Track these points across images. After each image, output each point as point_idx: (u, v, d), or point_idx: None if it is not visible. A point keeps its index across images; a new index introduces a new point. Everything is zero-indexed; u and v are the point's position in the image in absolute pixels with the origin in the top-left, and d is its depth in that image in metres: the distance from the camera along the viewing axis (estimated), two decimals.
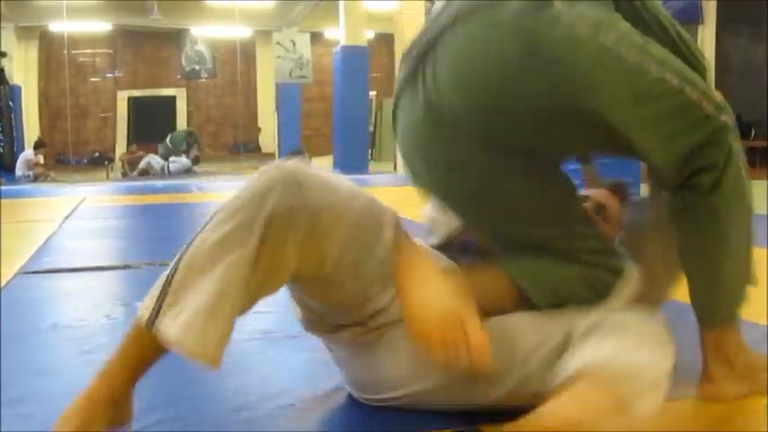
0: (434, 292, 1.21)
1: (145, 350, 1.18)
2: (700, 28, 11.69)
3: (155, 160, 13.78)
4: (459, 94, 1.27)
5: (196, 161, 14.13)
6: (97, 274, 2.97)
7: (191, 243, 1.16)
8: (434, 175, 1.38)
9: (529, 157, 1.30)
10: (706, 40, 11.47)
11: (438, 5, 1.41)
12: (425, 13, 10.55)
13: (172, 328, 1.11)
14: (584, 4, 1.26)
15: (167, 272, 1.16)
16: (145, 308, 1.15)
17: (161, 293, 1.13)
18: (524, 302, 1.33)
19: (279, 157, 15.06)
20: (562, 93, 1.22)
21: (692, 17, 11.64)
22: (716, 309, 1.41)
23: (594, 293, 1.37)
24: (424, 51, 1.32)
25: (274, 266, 1.16)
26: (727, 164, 1.29)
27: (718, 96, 1.31)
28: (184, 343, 1.10)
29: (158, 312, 1.13)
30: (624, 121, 1.24)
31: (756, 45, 10.81)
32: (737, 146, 1.31)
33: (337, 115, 12.37)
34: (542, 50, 1.21)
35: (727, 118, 1.30)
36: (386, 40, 14.59)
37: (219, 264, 1.12)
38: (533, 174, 1.32)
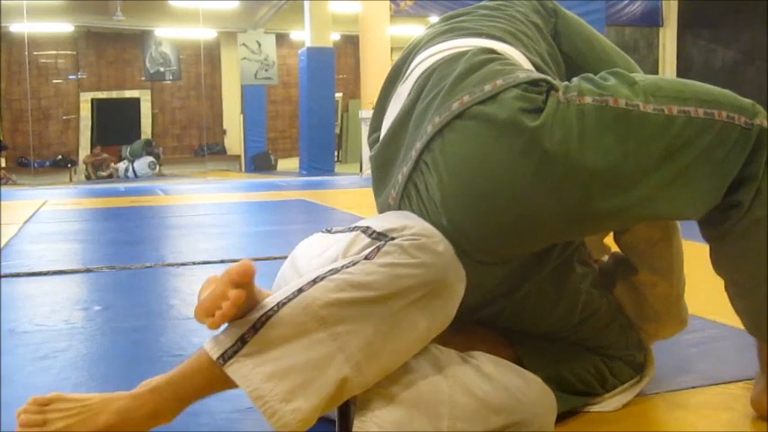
0: None
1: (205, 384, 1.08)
2: (661, 31, 11.87)
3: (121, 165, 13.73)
4: (471, 216, 1.16)
5: (153, 167, 14.00)
6: (57, 278, 2.93)
7: (290, 296, 1.06)
8: None
9: (546, 259, 1.27)
10: (667, 42, 11.66)
11: (402, 93, 1.33)
12: (390, 15, 10.59)
13: (254, 376, 1.02)
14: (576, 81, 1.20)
15: (253, 317, 1.06)
16: (216, 344, 1.06)
17: (239, 340, 1.04)
18: None
19: (244, 159, 15.04)
20: (592, 194, 1.13)
21: (653, 20, 11.81)
22: None
23: (602, 385, 1.38)
24: (413, 165, 1.22)
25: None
26: (766, 168, 1.20)
27: (743, 100, 1.22)
28: (266, 396, 1.01)
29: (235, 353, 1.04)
30: (657, 187, 1.15)
31: (716, 46, 10.98)
32: None
33: (303, 117, 12.35)
34: (555, 156, 1.11)
35: (762, 119, 1.20)
36: (352, 42, 14.58)
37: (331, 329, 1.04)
38: (548, 276, 1.29)
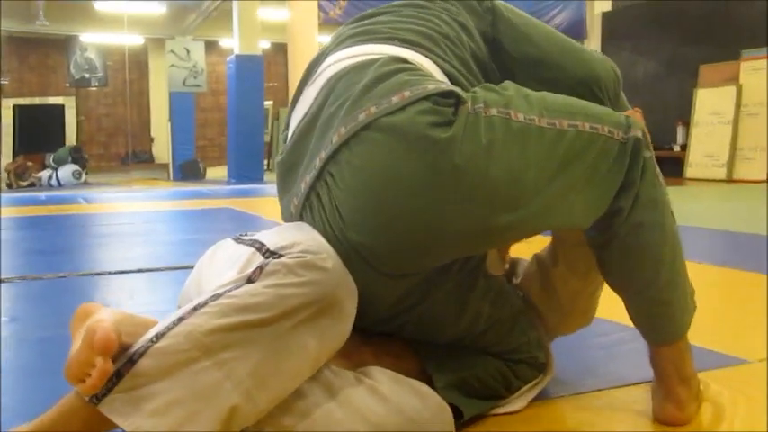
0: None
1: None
2: (585, 42, 12.14)
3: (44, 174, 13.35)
4: (377, 230, 1.15)
5: (78, 176, 13.66)
6: None
7: (170, 325, 1.00)
8: None
9: (449, 271, 1.27)
10: None
11: (308, 98, 1.31)
12: (319, 23, 10.58)
13: (134, 413, 0.95)
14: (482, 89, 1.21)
15: (131, 350, 0.99)
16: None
17: (114, 375, 0.97)
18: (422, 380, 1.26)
19: (172, 167, 14.81)
20: (496, 208, 1.14)
21: (577, 33, 12.08)
22: (670, 323, 1.36)
23: (506, 387, 1.40)
24: (317, 174, 1.20)
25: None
26: (643, 175, 1.26)
27: (620, 115, 1.28)
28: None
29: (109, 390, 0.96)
30: (553, 198, 1.18)
31: (638, 58, 11.27)
32: (649, 153, 1.28)
33: (232, 125, 12.23)
34: (464, 170, 1.11)
35: (636, 130, 1.26)
36: (281, 50, 14.51)
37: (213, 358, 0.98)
38: (453, 288, 1.29)
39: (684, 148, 10.39)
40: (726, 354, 1.80)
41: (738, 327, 2.15)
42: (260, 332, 1.00)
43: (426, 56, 1.30)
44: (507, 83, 1.25)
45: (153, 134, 17.05)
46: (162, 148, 16.41)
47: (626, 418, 1.41)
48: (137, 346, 0.99)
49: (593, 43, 12.13)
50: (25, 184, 13.23)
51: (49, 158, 14.03)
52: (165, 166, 15.95)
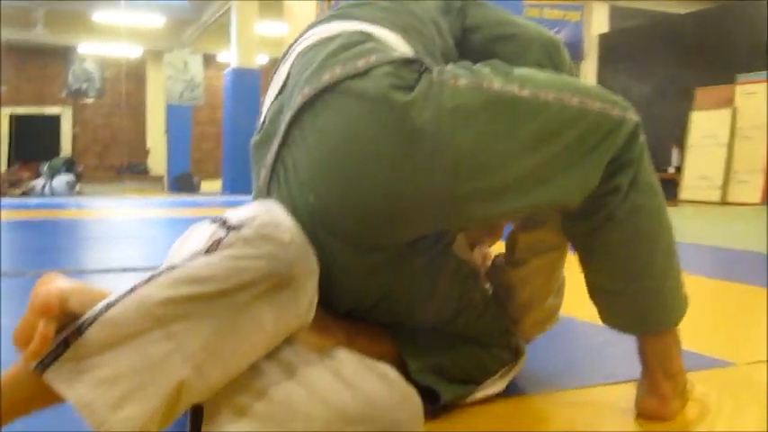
0: None
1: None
2: (583, 64, 12.19)
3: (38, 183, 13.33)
4: (338, 194, 1.12)
5: (72, 186, 13.63)
6: None
7: (122, 295, 0.97)
8: None
9: (418, 250, 1.24)
10: (588, 76, 11.97)
11: (281, 72, 1.30)
12: None
13: (79, 383, 0.92)
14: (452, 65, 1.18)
15: (80, 320, 0.94)
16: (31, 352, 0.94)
17: (63, 342, 0.93)
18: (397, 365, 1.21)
19: (168, 180, 14.82)
20: (460, 175, 1.11)
21: (574, 54, 12.12)
22: (660, 312, 1.33)
23: (482, 371, 1.37)
24: (281, 142, 1.18)
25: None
26: (641, 158, 1.24)
27: (614, 95, 1.25)
28: (93, 404, 0.90)
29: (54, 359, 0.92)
30: (530, 172, 1.14)
31: (633, 82, 11.32)
32: (644, 138, 1.26)
33: (227, 138, 12.25)
34: (425, 133, 1.09)
35: (633, 113, 1.24)
36: None
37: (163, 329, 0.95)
38: (424, 266, 1.26)
39: (679, 170, 10.41)
40: (714, 357, 1.77)
41: (728, 333, 2.13)
42: (213, 305, 0.97)
43: (394, 33, 1.28)
44: (483, 64, 1.21)
45: (149, 146, 17.07)
46: (157, 161, 16.43)
47: (610, 415, 1.38)
48: (86, 315, 0.95)
49: (590, 65, 12.18)
50: (18, 192, 13.20)
51: (44, 167, 14.01)
52: (159, 179, 15.95)
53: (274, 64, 1.37)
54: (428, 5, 1.42)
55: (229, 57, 12.77)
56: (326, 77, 1.15)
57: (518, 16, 1.49)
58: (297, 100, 1.17)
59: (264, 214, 1.06)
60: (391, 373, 1.11)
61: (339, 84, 1.13)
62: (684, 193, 10.19)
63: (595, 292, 1.36)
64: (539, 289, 1.48)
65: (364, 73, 1.12)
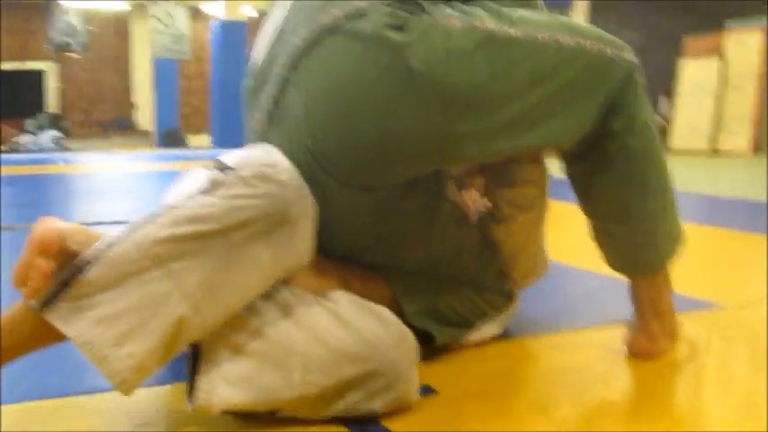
0: None
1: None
2: (571, 13, 12.08)
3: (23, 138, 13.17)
4: (335, 135, 1.13)
5: (58, 142, 13.49)
6: None
7: (122, 235, 0.98)
8: None
9: (414, 191, 1.23)
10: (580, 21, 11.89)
11: (277, 16, 1.28)
12: None
13: (80, 321, 0.93)
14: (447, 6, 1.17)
15: (80, 259, 0.96)
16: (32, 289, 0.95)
17: (64, 281, 0.94)
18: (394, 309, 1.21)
19: (156, 135, 14.71)
20: (454, 115, 1.11)
21: (563, 3, 12.01)
22: (651, 253, 1.35)
23: (476, 315, 1.37)
24: (279, 85, 1.18)
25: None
26: (636, 100, 1.24)
27: (610, 35, 1.25)
28: (94, 341, 0.93)
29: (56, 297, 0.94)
30: (525, 112, 1.15)
31: (623, 29, 11.25)
32: (643, 80, 1.26)
33: (214, 92, 12.14)
34: (420, 73, 1.08)
35: (629, 53, 1.24)
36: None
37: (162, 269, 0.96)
38: (419, 208, 1.26)
39: (666, 119, 10.41)
40: (705, 300, 1.79)
41: (719, 278, 2.15)
42: (211, 243, 0.98)
43: None
44: (476, 5, 1.20)
45: (135, 101, 16.89)
46: (145, 116, 16.27)
47: (601, 355, 1.40)
48: (86, 254, 0.96)
49: (579, 13, 12.08)
50: (5, 148, 13.08)
51: (30, 124, 13.86)
52: (146, 134, 15.83)
53: (263, 17, 1.35)
54: None
55: (216, 9, 12.61)
56: (325, 18, 1.14)
57: None
58: (294, 42, 1.17)
59: (262, 156, 1.07)
60: (388, 314, 1.13)
61: (336, 25, 1.13)
62: (674, 142, 10.21)
63: (594, 232, 1.38)
64: (521, 243, 1.48)
65: (363, 15, 1.12)
